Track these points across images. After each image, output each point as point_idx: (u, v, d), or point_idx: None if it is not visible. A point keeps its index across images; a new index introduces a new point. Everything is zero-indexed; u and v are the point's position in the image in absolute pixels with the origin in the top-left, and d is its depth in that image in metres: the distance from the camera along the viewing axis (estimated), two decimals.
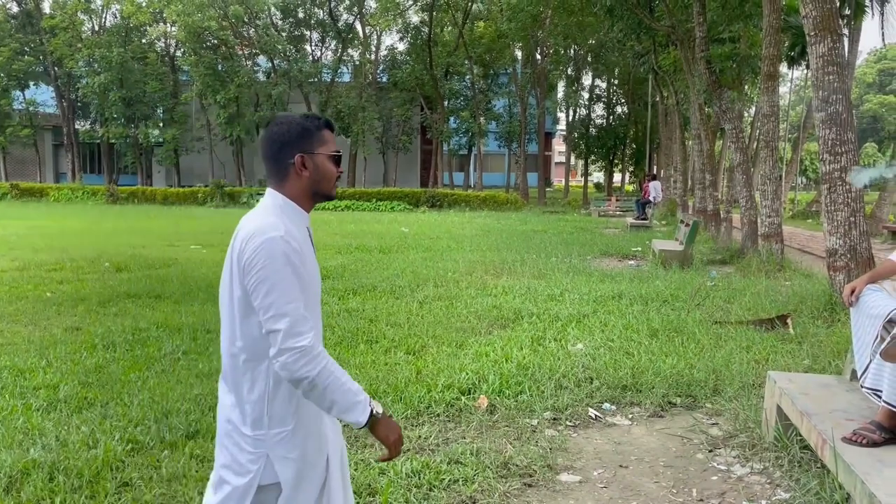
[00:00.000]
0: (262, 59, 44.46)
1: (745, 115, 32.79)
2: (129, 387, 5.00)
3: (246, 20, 42.57)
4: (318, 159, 1.98)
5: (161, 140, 44.39)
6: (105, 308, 7.90)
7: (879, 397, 3.31)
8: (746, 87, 23.97)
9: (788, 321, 7.10)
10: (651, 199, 24.88)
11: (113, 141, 44.50)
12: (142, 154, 46.26)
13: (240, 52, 43.56)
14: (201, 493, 3.40)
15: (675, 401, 4.97)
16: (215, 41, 41.83)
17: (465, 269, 11.19)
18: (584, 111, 48.85)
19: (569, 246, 15.48)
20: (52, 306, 7.96)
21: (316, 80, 43.59)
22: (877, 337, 3.30)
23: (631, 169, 52.46)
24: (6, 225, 19.93)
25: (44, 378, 5.16)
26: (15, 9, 46.40)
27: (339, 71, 45.01)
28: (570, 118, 48.08)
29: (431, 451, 4.01)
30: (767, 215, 12.26)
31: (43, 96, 48.89)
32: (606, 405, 4.89)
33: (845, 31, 25.13)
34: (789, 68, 35.12)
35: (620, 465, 3.98)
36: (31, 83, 46.80)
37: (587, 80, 48.42)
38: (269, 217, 1.90)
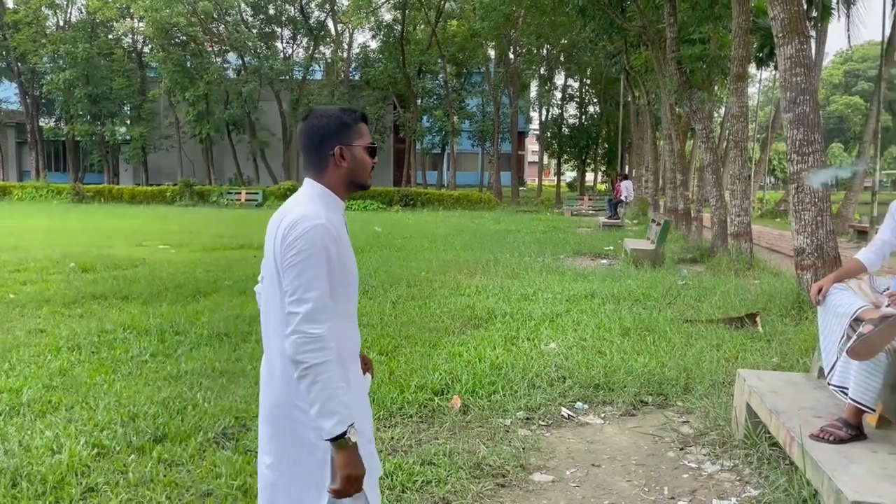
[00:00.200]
0: (231, 56, 44.00)
1: (715, 115, 33.23)
2: (94, 390, 4.90)
3: (215, 16, 42.09)
4: (356, 151, 2.09)
5: (128, 138, 43.69)
6: (70, 309, 7.73)
7: (846, 395, 3.35)
8: (716, 87, 24.28)
9: (758, 319, 7.20)
10: (623, 198, 25.10)
11: (78, 139, 43.71)
12: (108, 152, 45.50)
13: (209, 49, 43.06)
14: (170, 498, 3.35)
15: (647, 399, 5.01)
16: (184, 37, 41.31)
17: (438, 269, 11.17)
18: (556, 111, 49.16)
19: (542, 245, 15.54)
20: (14, 308, 7.78)
21: (287, 77, 43.26)
22: (843, 335, 3.35)
23: (603, 168, 52.84)
24: None
25: (6, 382, 5.03)
26: None
27: (310, 69, 44.74)
28: (543, 117, 48.31)
29: (404, 452, 3.99)
30: (737, 214, 12.42)
31: (6, 93, 47.89)
32: (579, 404, 4.90)
33: (812, 33, 25.56)
34: (758, 69, 35.64)
35: (593, 464, 3.99)
36: None
37: (560, 79, 48.72)
38: (311, 205, 1.99)
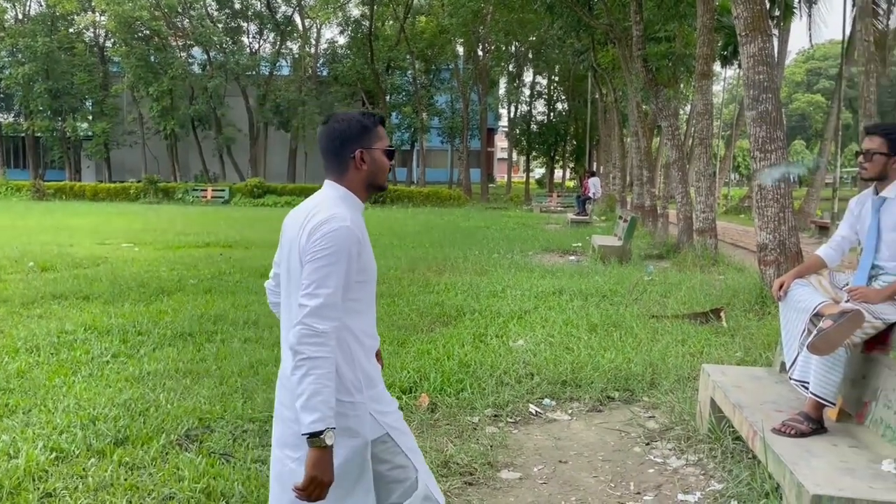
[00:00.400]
0: (197, 51, 43.31)
1: (682, 112, 33.65)
2: (53, 392, 4.78)
3: (179, 10, 41.40)
4: (375, 154, 2.16)
5: (90, 133, 42.76)
6: (28, 310, 7.54)
7: (807, 389, 3.40)
8: (682, 85, 24.57)
9: (722, 314, 7.30)
10: (591, 195, 25.30)
11: (39, 134, 42.69)
12: (70, 148, 44.52)
13: (173, 44, 42.36)
14: (130, 503, 3.28)
15: (614, 395, 5.04)
16: (147, 31, 40.55)
17: (407, 266, 11.14)
18: (525, 108, 49.33)
19: (511, 242, 15.59)
20: None
21: (254, 72, 42.74)
22: (804, 330, 3.40)
23: (572, 165, 53.20)
24: None
25: None
26: None
27: (277, 64, 44.22)
28: (512, 114, 48.48)
29: None
30: (702, 211, 12.59)
31: None
32: (547, 401, 4.92)
33: (775, 31, 26.01)
34: (722, 67, 36.20)
35: (560, 461, 4.00)
36: None
37: (528, 76, 48.89)
38: (338, 207, 2.06)
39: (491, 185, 51.12)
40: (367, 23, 41.60)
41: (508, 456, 4.03)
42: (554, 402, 4.92)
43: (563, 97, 49.36)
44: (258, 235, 16.67)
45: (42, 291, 8.48)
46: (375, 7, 40.82)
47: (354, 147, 2.12)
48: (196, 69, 42.68)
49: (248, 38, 46.08)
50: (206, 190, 35.63)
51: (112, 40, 43.16)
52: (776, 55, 26.95)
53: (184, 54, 42.50)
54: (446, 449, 4.00)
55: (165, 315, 7.31)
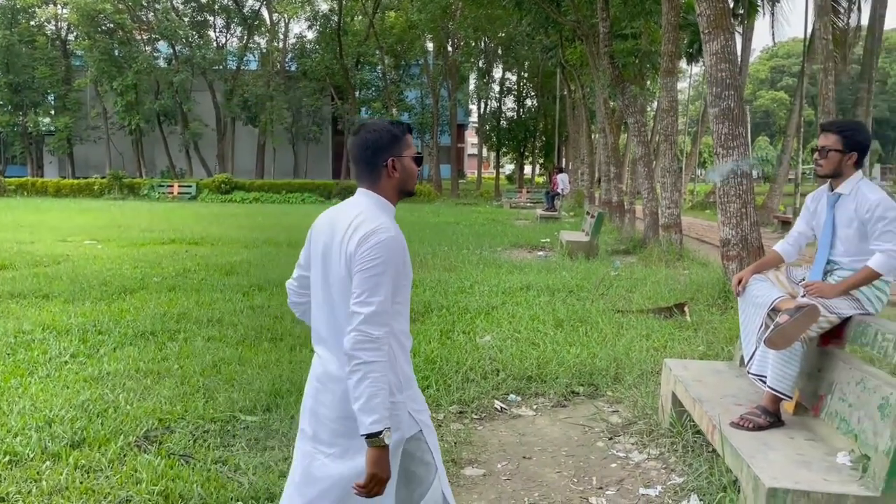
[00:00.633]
0: (162, 45, 42.55)
1: (649, 109, 33.98)
2: (8, 394, 4.66)
3: (144, 3, 40.65)
4: (405, 161, 2.25)
5: (53, 129, 41.78)
6: None
7: (764, 382, 3.46)
8: (649, 82, 24.82)
9: (686, 309, 7.39)
10: (559, 191, 25.46)
11: None
12: (31, 143, 43.46)
13: (138, 37, 41.55)
14: None
15: (578, 390, 5.07)
16: (111, 25, 39.70)
17: None
18: (495, 104, 49.36)
19: (480, 238, 15.61)
20: None
21: (221, 67, 42.13)
22: (761, 325, 3.45)
23: (541, 161, 53.42)
24: None
25: None
26: None
27: (245, 58, 43.64)
28: (482, 110, 48.49)
29: None
30: (667, 206, 12.73)
31: None
32: (512, 396, 4.93)
33: (739, 29, 26.39)
34: (689, 64, 36.66)
35: (524, 457, 4.01)
36: None
37: (498, 72, 48.97)
38: (381, 216, 2.15)
39: (461, 180, 51.15)
40: (335, 17, 41.27)
41: (473, 452, 4.03)
42: (519, 398, 4.94)
43: (533, 93, 49.53)
44: (225, 232, 16.47)
45: None
46: (344, 2, 40.54)
47: (386, 156, 2.21)
48: (161, 63, 41.90)
49: (214, 32, 45.40)
50: (172, 186, 35.07)
51: (74, 33, 42.19)
52: (740, 52, 27.37)
53: (149, 48, 41.73)
54: None
55: (127, 314, 7.18)
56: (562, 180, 25.65)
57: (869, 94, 19.48)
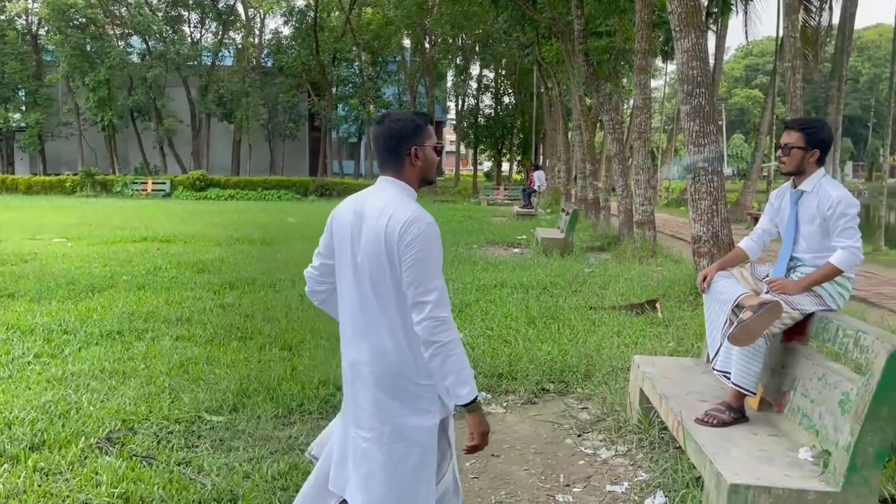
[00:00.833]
0: (135, 40, 41.95)
1: (625, 106, 34.19)
2: None
3: None
4: (427, 150, 2.33)
5: (23, 125, 41.10)
6: None
7: (728, 379, 3.48)
8: (624, 80, 24.96)
9: (657, 305, 7.43)
10: (536, 188, 25.53)
11: None
12: (2, 140, 42.73)
13: (111, 32, 40.92)
14: None
15: (549, 387, 5.07)
16: (83, 19, 39.06)
17: None
18: (473, 101, 49.32)
19: (457, 235, 15.60)
20: None
21: (195, 63, 41.65)
22: (726, 321, 3.47)
23: (518, 158, 53.53)
24: None
25: None
26: None
27: (220, 54, 43.21)
28: (460, 108, 48.45)
29: (301, 451, 3.87)
30: (641, 203, 12.80)
31: None
32: (483, 394, 4.91)
33: (713, 27, 26.63)
34: (664, 62, 36.91)
35: (492, 455, 4.00)
36: None
37: (475, 69, 48.92)
38: (410, 204, 2.23)
39: (439, 177, 51.07)
40: (311, 13, 40.99)
41: None
42: (490, 396, 4.93)
43: (510, 91, 49.56)
44: (198, 229, 16.29)
45: None
46: None
47: (410, 145, 2.29)
48: (135, 59, 41.30)
49: (189, 27, 44.89)
50: (146, 183, 34.63)
51: (46, 28, 41.46)
52: (714, 50, 27.60)
53: (122, 43, 41.13)
54: None
55: (94, 313, 7.06)
56: (538, 177, 25.73)
57: (839, 93, 19.74)
